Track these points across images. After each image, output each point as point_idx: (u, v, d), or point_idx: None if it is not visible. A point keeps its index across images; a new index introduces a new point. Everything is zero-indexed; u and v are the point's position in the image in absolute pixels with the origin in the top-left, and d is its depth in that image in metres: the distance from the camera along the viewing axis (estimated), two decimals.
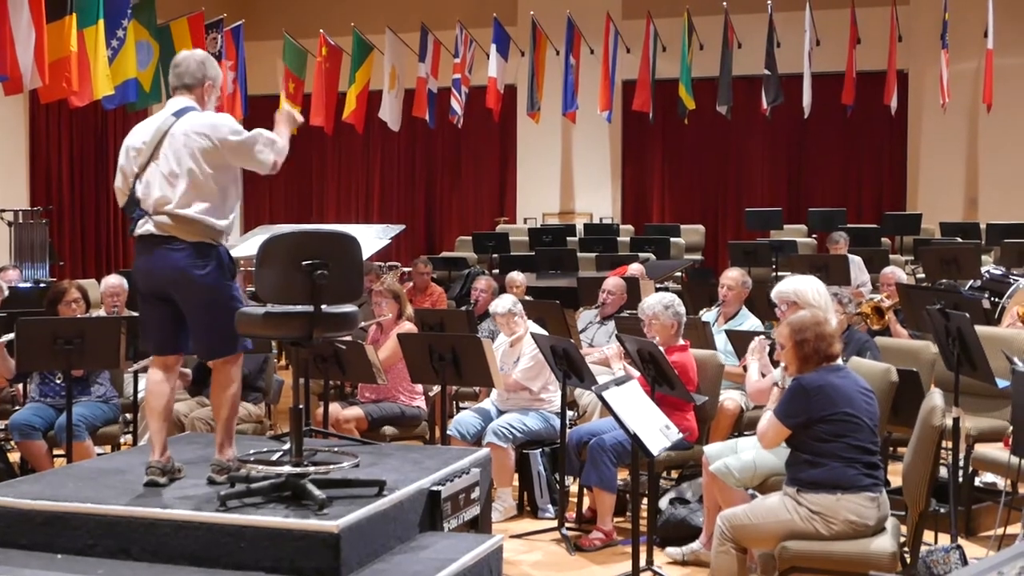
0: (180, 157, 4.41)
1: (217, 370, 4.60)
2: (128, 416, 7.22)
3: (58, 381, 6.65)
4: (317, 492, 4.13)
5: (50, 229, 14.69)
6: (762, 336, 5.78)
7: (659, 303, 6.32)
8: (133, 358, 6.75)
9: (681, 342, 6.28)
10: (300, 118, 4.90)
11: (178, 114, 4.50)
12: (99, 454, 6.55)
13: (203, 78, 4.60)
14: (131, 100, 12.71)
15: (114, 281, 7.88)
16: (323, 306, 4.18)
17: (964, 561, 4.56)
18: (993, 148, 16.05)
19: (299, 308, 4.21)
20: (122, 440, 7.08)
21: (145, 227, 4.46)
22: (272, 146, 4.51)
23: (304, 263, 4.11)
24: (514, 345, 6.88)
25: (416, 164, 19.62)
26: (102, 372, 6.83)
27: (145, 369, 7.12)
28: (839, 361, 4.60)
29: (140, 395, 7.18)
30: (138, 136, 4.56)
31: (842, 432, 4.38)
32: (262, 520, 4.05)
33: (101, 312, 7.80)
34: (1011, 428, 5.58)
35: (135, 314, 7.96)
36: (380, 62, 16.36)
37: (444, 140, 19.07)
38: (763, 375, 5.41)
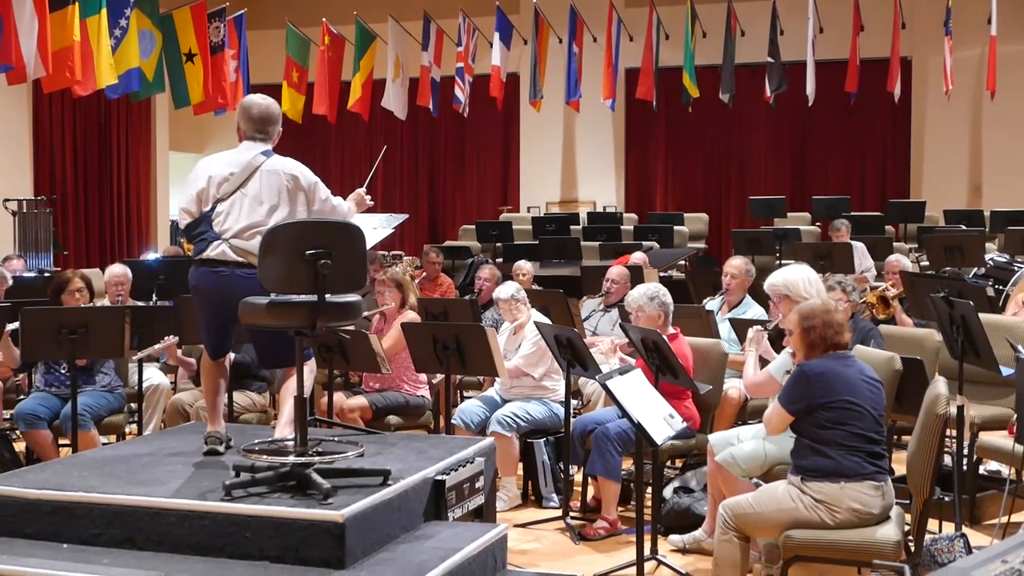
0: (271, 190, 4.66)
1: (287, 376, 4.82)
2: (133, 405, 7.23)
3: (63, 371, 6.66)
4: (322, 481, 4.13)
5: (54, 218, 14.70)
6: (758, 327, 5.78)
7: (644, 295, 6.32)
8: (137, 347, 6.77)
9: (672, 331, 6.27)
10: (370, 203, 5.20)
11: (267, 154, 4.76)
12: (104, 443, 6.56)
13: (274, 134, 4.87)
14: (134, 89, 12.72)
15: (118, 270, 7.89)
16: (327, 295, 4.18)
17: (968, 549, 4.56)
18: (997, 135, 16.02)
19: (303, 297, 4.21)
20: (127, 429, 7.09)
21: (219, 249, 4.64)
22: (337, 213, 4.84)
23: (307, 252, 4.11)
24: (517, 332, 6.89)
25: (419, 153, 19.60)
26: (106, 361, 6.84)
27: (148, 358, 7.17)
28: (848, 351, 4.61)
29: (145, 384, 7.20)
30: (223, 167, 4.73)
31: (843, 420, 4.38)
32: (267, 510, 4.05)
33: (105, 301, 7.82)
34: (1015, 416, 5.58)
35: (139, 303, 8.02)
36: (383, 51, 16.34)
37: (447, 129, 19.05)
38: (765, 363, 5.42)
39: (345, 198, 5.03)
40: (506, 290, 7.01)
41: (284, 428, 4.71)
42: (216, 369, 4.96)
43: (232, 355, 6.78)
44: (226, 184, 4.67)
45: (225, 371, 5.02)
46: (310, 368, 4.97)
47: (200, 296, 4.79)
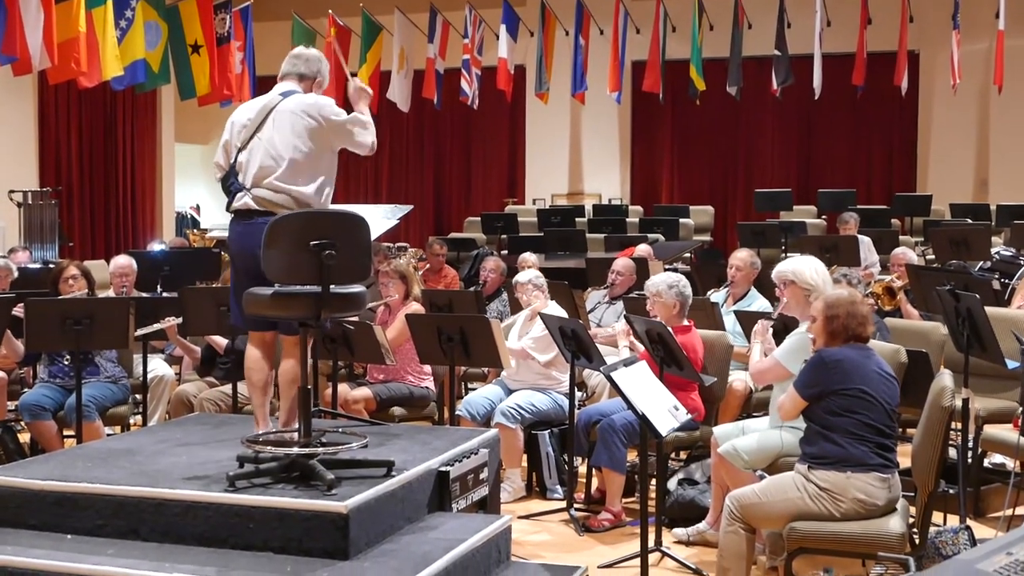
0: (284, 133, 4.55)
1: (289, 348, 4.65)
2: (137, 397, 7.24)
3: (66, 362, 6.67)
4: (326, 472, 4.13)
5: (59, 210, 14.72)
6: (765, 320, 5.78)
7: (664, 281, 6.32)
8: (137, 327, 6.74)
9: (685, 323, 6.27)
10: (370, 90, 4.97)
11: (285, 94, 4.65)
12: (109, 434, 6.58)
13: (316, 72, 4.78)
14: (140, 81, 12.73)
15: (123, 261, 7.89)
16: (331, 286, 4.18)
17: (973, 542, 4.55)
18: (1004, 129, 15.99)
19: (307, 288, 4.20)
20: (132, 421, 7.09)
21: (243, 200, 4.58)
22: (367, 128, 4.69)
23: (312, 243, 4.10)
24: (533, 318, 6.88)
25: (425, 145, 19.59)
26: (110, 352, 6.84)
27: (153, 349, 7.18)
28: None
29: (150, 375, 7.21)
30: (244, 113, 4.68)
31: (854, 408, 4.38)
32: (271, 500, 4.05)
33: (110, 293, 7.82)
34: (1020, 409, 5.57)
35: (144, 295, 8.03)
36: (389, 43, 16.32)
37: (453, 121, 19.04)
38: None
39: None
40: (525, 275, 7.11)
41: (288, 421, 4.70)
42: (261, 360, 4.66)
43: (226, 342, 6.81)
44: (244, 131, 4.62)
45: (271, 360, 4.72)
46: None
47: (233, 252, 4.71)
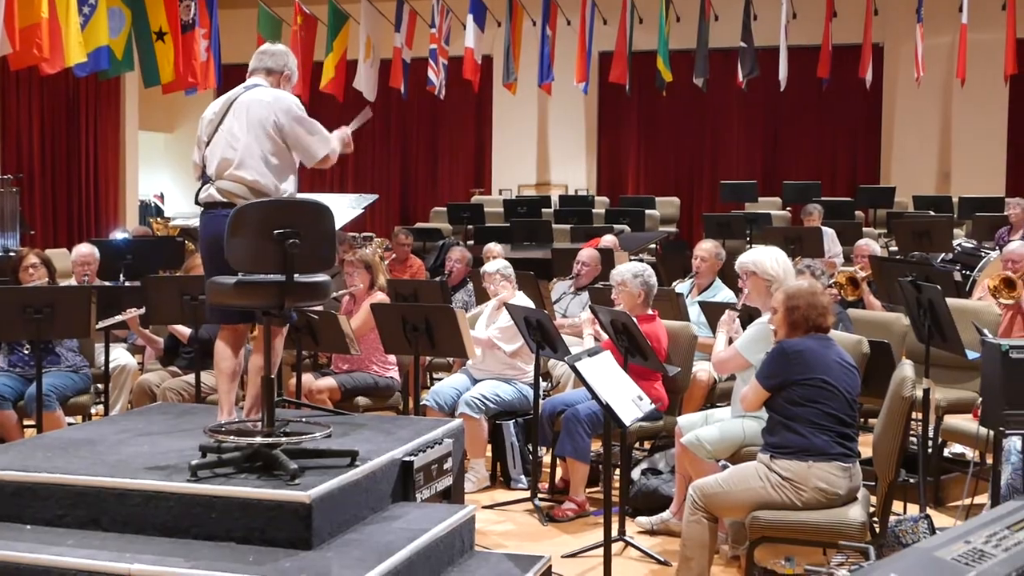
0: (242, 123, 4.57)
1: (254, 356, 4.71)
2: (99, 386, 7.17)
3: (26, 351, 6.60)
4: (289, 462, 4.11)
5: (21, 198, 14.55)
6: (731, 311, 5.81)
7: (629, 270, 6.34)
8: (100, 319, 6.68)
9: (649, 312, 6.28)
10: (351, 147, 4.98)
11: (248, 87, 4.70)
12: (70, 424, 6.51)
13: (283, 66, 4.83)
14: (103, 68, 12.57)
15: (85, 250, 7.82)
16: (295, 275, 4.16)
17: (932, 530, 4.60)
18: (966, 122, 16.12)
19: (270, 277, 4.18)
20: (93, 410, 7.04)
21: (208, 192, 4.61)
22: (327, 143, 4.69)
23: (275, 232, 4.08)
24: (500, 309, 6.87)
25: (392, 135, 19.53)
26: (71, 342, 6.78)
27: (115, 338, 7.12)
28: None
29: (112, 365, 7.15)
30: (211, 108, 4.74)
31: (815, 398, 4.42)
32: (233, 490, 4.03)
33: (71, 281, 7.75)
34: (980, 399, 5.63)
35: (107, 283, 7.96)
36: (356, 32, 16.23)
37: (420, 111, 18.99)
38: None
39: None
40: (493, 265, 7.12)
41: (251, 410, 4.69)
42: (228, 349, 4.72)
43: (188, 332, 6.77)
44: (209, 125, 4.66)
45: (239, 351, 4.78)
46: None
47: (201, 244, 4.74)
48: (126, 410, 7.02)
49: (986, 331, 5.06)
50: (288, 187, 4.65)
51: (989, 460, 5.62)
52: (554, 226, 13.43)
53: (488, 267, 7.16)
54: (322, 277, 4.36)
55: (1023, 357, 4.20)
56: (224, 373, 4.75)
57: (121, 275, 8.64)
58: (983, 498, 5.57)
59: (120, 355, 7.39)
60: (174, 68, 13.62)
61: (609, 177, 18.52)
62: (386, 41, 16.50)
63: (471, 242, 12.80)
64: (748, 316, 5.66)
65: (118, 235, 13.63)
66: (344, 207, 5.46)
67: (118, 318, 6.82)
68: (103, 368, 7.11)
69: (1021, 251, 7.37)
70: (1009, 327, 6.65)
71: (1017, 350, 4.22)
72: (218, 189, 4.57)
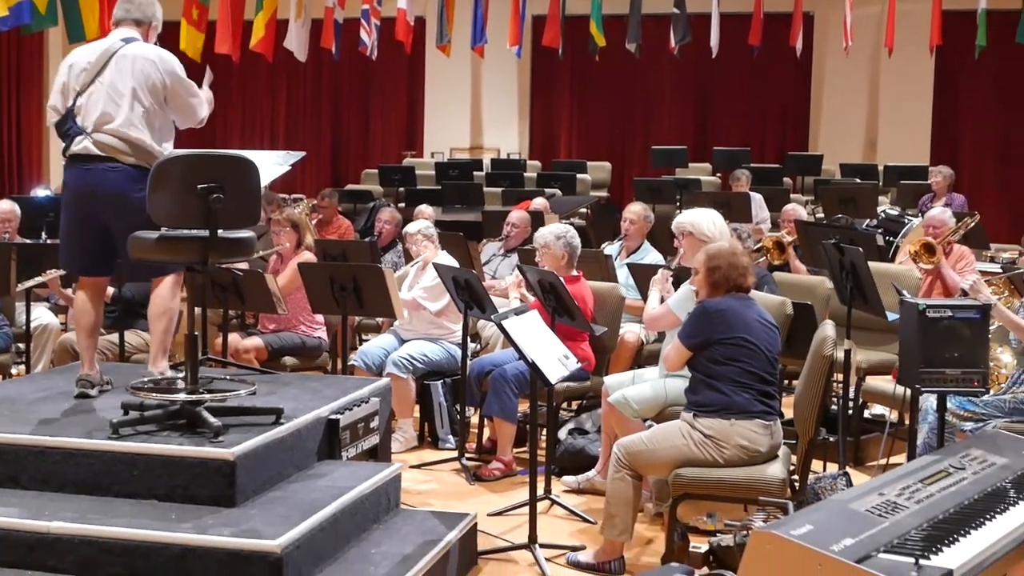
0: (125, 79, 4.50)
1: (152, 290, 4.66)
2: (20, 346, 7.04)
3: None
4: (212, 420, 4.08)
5: None
6: (664, 268, 5.86)
7: (551, 232, 6.35)
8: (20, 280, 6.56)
9: (574, 273, 6.31)
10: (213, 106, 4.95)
11: (127, 40, 4.60)
12: None
13: (151, 17, 4.74)
14: (25, 22, 12.26)
15: (5, 207, 7.67)
16: (218, 231, 4.11)
17: (850, 487, 4.70)
18: (893, 92, 16.34)
19: (194, 232, 4.13)
20: (14, 371, 6.92)
21: (82, 144, 4.51)
22: (204, 104, 4.73)
23: (199, 186, 4.03)
24: (424, 268, 6.85)
25: (323, 96, 19.31)
26: None
27: (38, 298, 6.99)
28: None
29: (34, 324, 7.01)
30: (83, 55, 4.60)
31: (737, 356, 4.48)
32: (155, 448, 4.00)
33: None
34: (899, 361, 5.74)
35: (28, 241, 7.80)
36: None
37: (352, 72, 18.78)
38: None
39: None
40: (415, 225, 7.08)
41: (157, 360, 4.62)
42: (88, 303, 4.72)
43: (112, 290, 6.67)
44: (84, 74, 4.54)
45: (99, 305, 4.80)
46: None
47: (69, 196, 4.63)
48: (48, 369, 6.90)
49: (905, 292, 5.15)
50: (168, 147, 4.63)
51: (907, 421, 5.76)
52: (486, 189, 13.41)
53: (410, 227, 7.12)
54: (247, 233, 4.32)
55: (940, 316, 4.28)
56: (84, 328, 4.73)
57: (43, 233, 8.48)
58: (900, 458, 5.71)
59: (42, 314, 7.26)
60: (99, 23, 13.30)
61: (542, 141, 18.52)
62: (317, 1, 16.27)
63: (402, 204, 12.74)
64: (679, 277, 5.71)
65: (40, 192, 13.34)
66: (270, 163, 5.38)
67: (38, 279, 6.68)
68: (24, 327, 6.97)
69: (942, 217, 7.50)
70: (928, 291, 6.79)
71: (934, 309, 4.31)
72: (95, 142, 4.49)
